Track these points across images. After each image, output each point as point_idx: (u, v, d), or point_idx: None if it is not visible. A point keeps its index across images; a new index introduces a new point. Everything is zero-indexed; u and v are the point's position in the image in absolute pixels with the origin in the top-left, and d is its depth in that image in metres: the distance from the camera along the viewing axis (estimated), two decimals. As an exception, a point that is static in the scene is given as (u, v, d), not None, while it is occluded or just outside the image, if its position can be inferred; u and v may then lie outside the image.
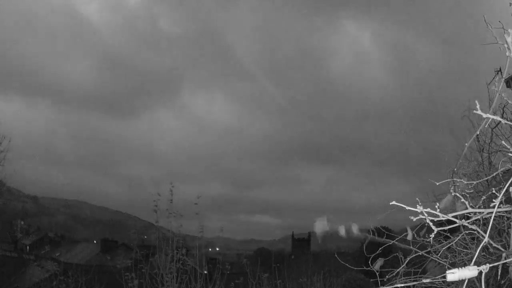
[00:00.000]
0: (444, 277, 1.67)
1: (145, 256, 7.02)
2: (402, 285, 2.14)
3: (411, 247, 2.90)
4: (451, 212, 2.18)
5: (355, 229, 2.58)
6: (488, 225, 1.92)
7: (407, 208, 2.21)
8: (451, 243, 2.75)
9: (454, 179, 2.39)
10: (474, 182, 2.62)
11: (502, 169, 2.59)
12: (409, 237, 2.60)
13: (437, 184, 2.50)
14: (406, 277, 2.98)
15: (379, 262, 2.78)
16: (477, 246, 2.75)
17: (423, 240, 2.85)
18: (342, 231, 2.44)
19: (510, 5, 2.03)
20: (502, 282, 2.81)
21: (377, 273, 2.89)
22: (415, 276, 3.04)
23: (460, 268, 1.63)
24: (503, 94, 2.15)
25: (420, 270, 3.13)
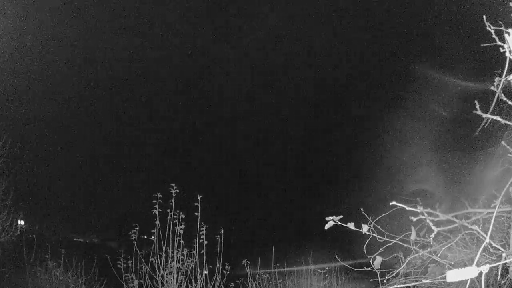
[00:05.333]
0: (444, 277, 1.67)
1: (145, 256, 7.01)
2: (402, 285, 2.15)
3: (412, 247, 2.91)
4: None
5: (364, 228, 2.61)
6: (489, 226, 1.92)
7: (407, 208, 2.21)
8: (451, 243, 2.75)
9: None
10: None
11: (502, 169, 2.59)
12: (413, 237, 2.61)
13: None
14: (406, 277, 2.99)
15: (378, 260, 2.79)
16: (478, 246, 2.75)
17: (423, 240, 2.85)
18: (351, 226, 2.52)
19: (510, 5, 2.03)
20: (502, 282, 2.81)
21: (378, 272, 2.89)
22: (415, 277, 3.04)
23: (460, 269, 1.63)
24: (502, 94, 2.15)
25: (420, 270, 3.13)
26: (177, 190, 6.91)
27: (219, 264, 7.16)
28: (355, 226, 2.61)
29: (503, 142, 2.29)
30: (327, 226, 2.52)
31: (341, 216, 2.51)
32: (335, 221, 2.51)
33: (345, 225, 2.53)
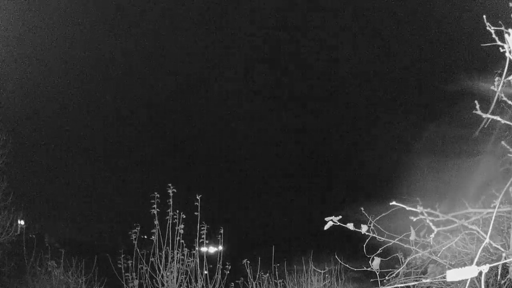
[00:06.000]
0: (444, 277, 1.67)
1: (146, 256, 7.02)
2: (402, 285, 2.15)
3: (412, 247, 2.91)
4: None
5: (364, 228, 2.61)
6: (489, 226, 1.92)
7: (408, 208, 2.22)
8: (451, 243, 2.75)
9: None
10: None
11: (502, 169, 2.59)
12: (412, 237, 2.61)
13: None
14: (406, 277, 2.99)
15: (377, 260, 2.79)
16: (477, 247, 2.75)
17: (423, 241, 2.85)
18: (350, 226, 2.52)
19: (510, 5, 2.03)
20: (502, 282, 2.81)
21: (377, 273, 2.89)
22: (415, 277, 3.04)
23: (460, 269, 1.63)
24: (502, 94, 2.16)
25: (420, 270, 3.13)
26: (174, 190, 6.92)
27: (219, 264, 7.16)
28: (355, 226, 2.61)
29: (503, 142, 2.29)
30: (326, 227, 2.52)
31: (340, 217, 2.51)
32: (334, 222, 2.51)
33: (344, 225, 2.53)
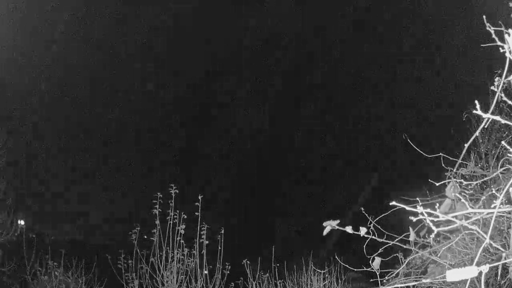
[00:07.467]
0: (444, 277, 1.67)
1: (146, 256, 7.02)
2: (402, 285, 2.14)
3: (412, 247, 2.91)
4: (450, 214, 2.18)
5: (362, 231, 2.61)
6: (489, 226, 1.92)
7: (407, 208, 2.21)
8: (451, 243, 2.75)
9: (454, 179, 2.39)
10: (474, 183, 2.63)
11: (502, 169, 2.59)
12: (411, 238, 2.61)
13: (437, 184, 2.50)
14: (406, 278, 2.99)
15: (377, 260, 2.78)
16: (477, 247, 2.75)
17: (423, 241, 2.85)
18: (349, 229, 2.52)
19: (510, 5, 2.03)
20: (502, 282, 2.81)
21: (377, 273, 2.89)
22: (415, 277, 3.04)
23: (460, 269, 1.63)
24: (502, 94, 2.15)
25: (420, 270, 3.13)
26: (177, 191, 6.91)
27: (219, 264, 7.16)
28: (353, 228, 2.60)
29: (503, 142, 2.29)
30: (325, 232, 2.52)
31: (339, 221, 2.50)
32: (332, 226, 2.50)
33: (343, 229, 2.52)
